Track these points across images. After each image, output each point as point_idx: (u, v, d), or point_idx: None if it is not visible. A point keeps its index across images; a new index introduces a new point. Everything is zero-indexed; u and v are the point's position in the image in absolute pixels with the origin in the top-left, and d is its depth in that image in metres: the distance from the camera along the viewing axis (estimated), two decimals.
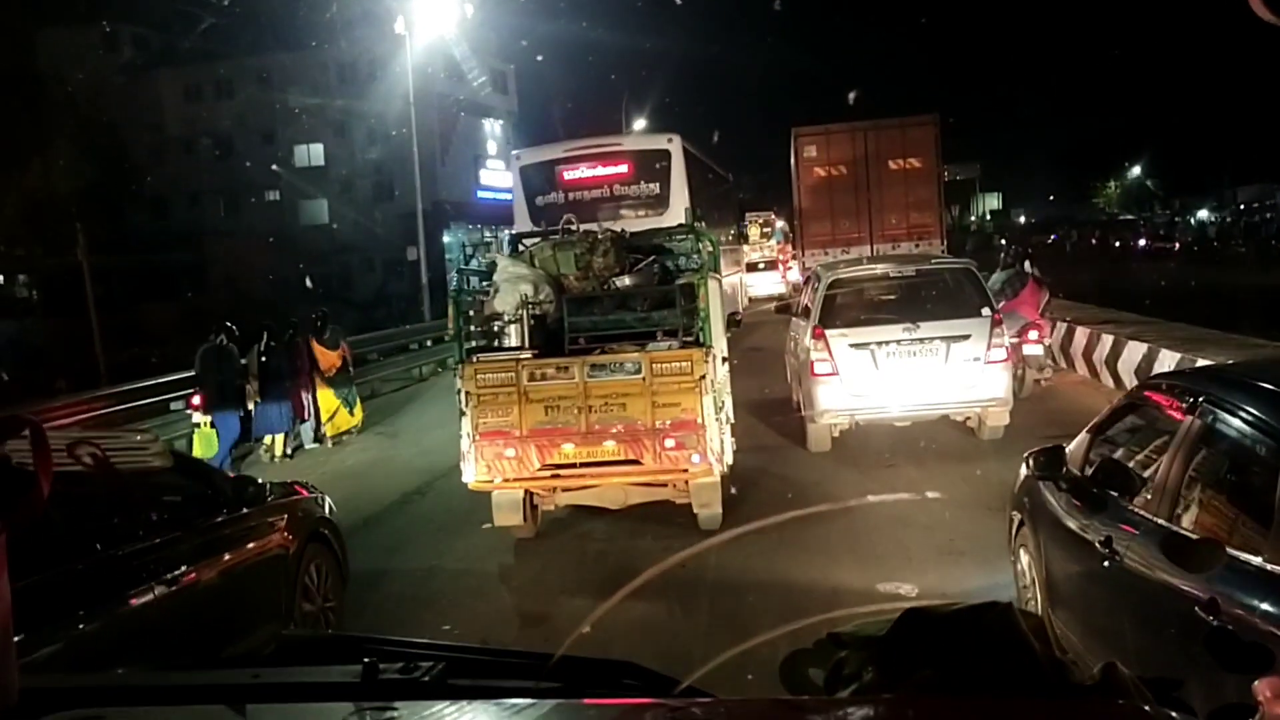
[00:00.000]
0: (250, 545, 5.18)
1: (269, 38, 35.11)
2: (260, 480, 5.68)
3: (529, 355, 7.15)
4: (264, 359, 10.87)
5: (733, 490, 7.43)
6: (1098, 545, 3.51)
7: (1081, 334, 12.97)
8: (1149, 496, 3.42)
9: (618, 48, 36.88)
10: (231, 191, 39.30)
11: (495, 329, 7.50)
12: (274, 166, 36.90)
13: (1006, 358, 9.28)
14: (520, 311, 7.38)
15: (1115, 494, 3.61)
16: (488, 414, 7.03)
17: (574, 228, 8.16)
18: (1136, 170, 54.85)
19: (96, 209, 25.67)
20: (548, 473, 7.06)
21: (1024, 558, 4.65)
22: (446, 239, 43.51)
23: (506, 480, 7.10)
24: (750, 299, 24.16)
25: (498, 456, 7.03)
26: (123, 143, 33.68)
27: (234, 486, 5.27)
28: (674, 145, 15.05)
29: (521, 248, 8.17)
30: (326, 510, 6.07)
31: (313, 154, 38.96)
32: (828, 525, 6.73)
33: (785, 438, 9.85)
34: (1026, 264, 12.31)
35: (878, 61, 38.50)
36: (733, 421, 7.84)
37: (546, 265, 7.74)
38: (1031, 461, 4.40)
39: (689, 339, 7.12)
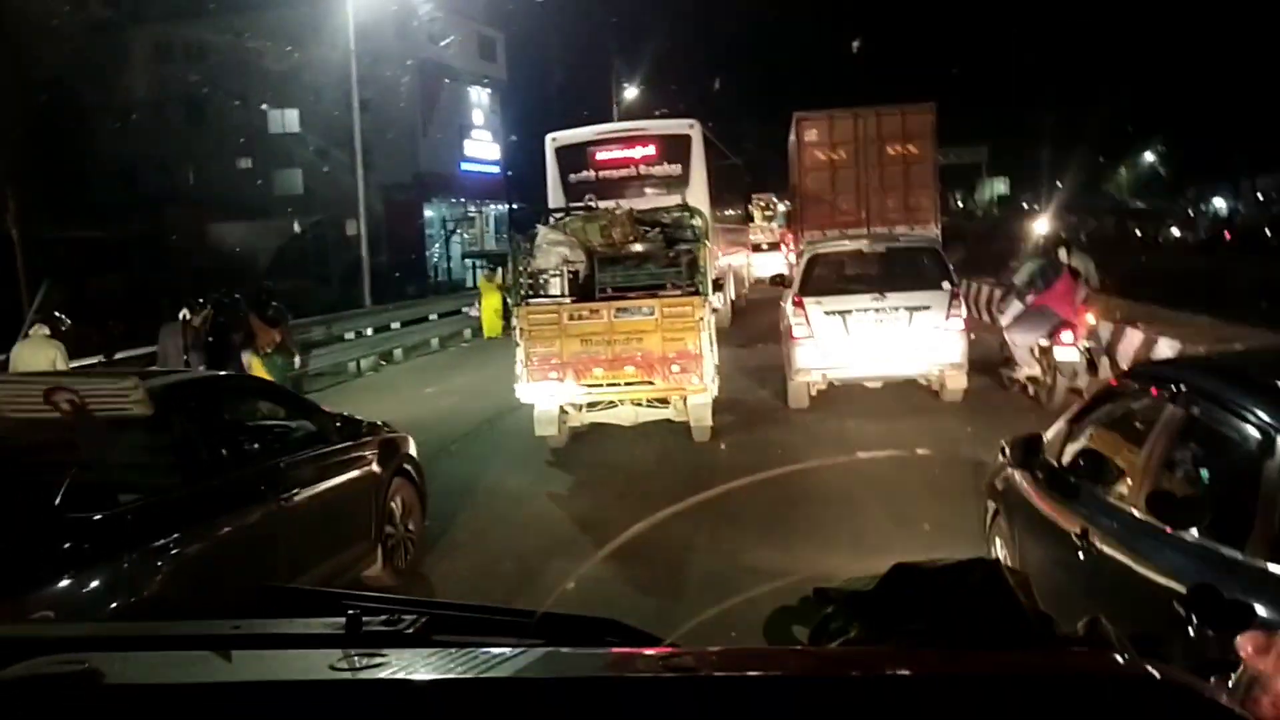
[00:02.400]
0: (347, 473, 6.05)
1: None
2: (358, 417, 6.58)
3: (568, 301, 9.77)
4: (209, 336, 10.81)
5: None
6: (1074, 536, 3.64)
7: (1135, 337, 11.60)
8: (1127, 487, 3.53)
9: (612, 16, 36.85)
10: (200, 159, 39.11)
11: (541, 281, 9.98)
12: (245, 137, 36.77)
13: (964, 327, 10.81)
14: (560, 268, 9.93)
15: (1092, 483, 3.73)
16: (537, 345, 9.65)
17: (594, 205, 11.01)
18: (1148, 156, 55.09)
19: (42, 175, 25.32)
20: (582, 390, 9.66)
21: (999, 546, 4.82)
22: (428, 214, 43.57)
23: (552, 396, 9.72)
24: (755, 279, 25.01)
25: (544, 377, 9.63)
26: (81, 105, 33.45)
27: (336, 421, 6.23)
28: (694, 131, 17.42)
29: (554, 220, 10.78)
30: (410, 449, 6.97)
31: (287, 120, 38.74)
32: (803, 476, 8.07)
33: (775, 397, 11.69)
34: (1062, 251, 11.39)
35: (882, 40, 38.70)
36: (718, 363, 10.40)
37: (577, 234, 10.27)
38: (1008, 449, 4.60)
39: (691, 290, 9.72)
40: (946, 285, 10.86)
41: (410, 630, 1.47)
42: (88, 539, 4.18)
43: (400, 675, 1.22)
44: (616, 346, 9.56)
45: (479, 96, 43.69)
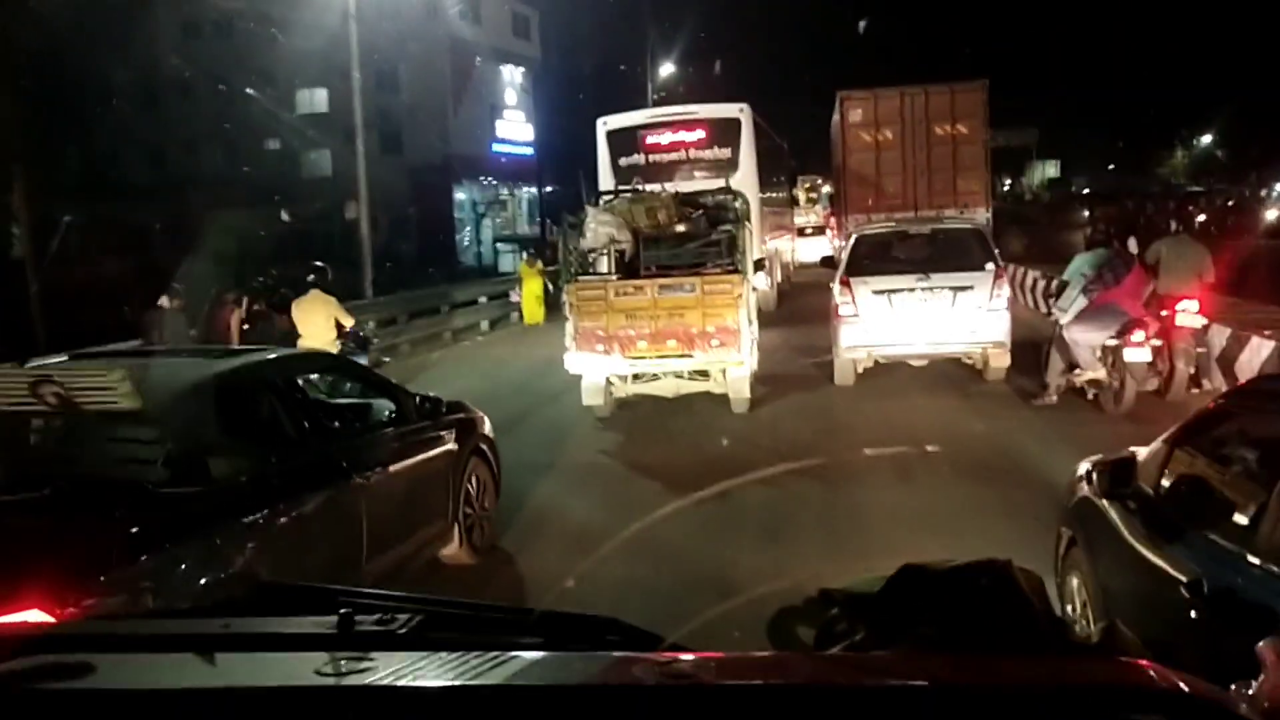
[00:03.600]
0: (427, 452, 6.21)
1: None
2: (438, 396, 6.70)
3: (615, 278, 10.59)
4: (246, 324, 10.51)
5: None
6: (1183, 589, 3.09)
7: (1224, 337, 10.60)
8: (1245, 527, 3.01)
9: (650, 7, 36.26)
10: (228, 138, 39.09)
11: (590, 259, 10.99)
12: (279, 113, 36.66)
13: (1007, 306, 11.22)
14: (608, 247, 10.83)
15: (1196, 522, 3.21)
16: (585, 319, 10.37)
17: (641, 188, 11.98)
18: (1206, 139, 53.79)
19: (62, 154, 25.12)
20: (627, 361, 10.39)
21: (1073, 580, 4.30)
22: (458, 196, 43.31)
23: (599, 368, 10.49)
24: (798, 264, 25.03)
25: (592, 349, 10.38)
26: (108, 83, 33.44)
27: (417, 400, 6.39)
28: (744, 115, 17.77)
29: (603, 202, 11.65)
30: (487, 428, 7.14)
31: (316, 100, 38.62)
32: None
33: (820, 373, 12.31)
34: (1131, 242, 10.76)
35: (929, 19, 37.79)
36: (757, 339, 11.13)
37: (623, 215, 11.00)
38: (1095, 475, 4.08)
39: (730, 269, 10.42)
40: (990, 266, 11.30)
41: (403, 630, 1.46)
42: (180, 514, 4.29)
43: (387, 681, 1.22)
44: (660, 321, 10.25)
45: (512, 75, 43.34)
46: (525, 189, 44.71)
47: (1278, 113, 40.13)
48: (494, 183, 42.55)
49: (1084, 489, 4.31)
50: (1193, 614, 3.00)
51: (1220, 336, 10.44)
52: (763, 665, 1.37)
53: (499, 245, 40.30)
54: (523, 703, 1.21)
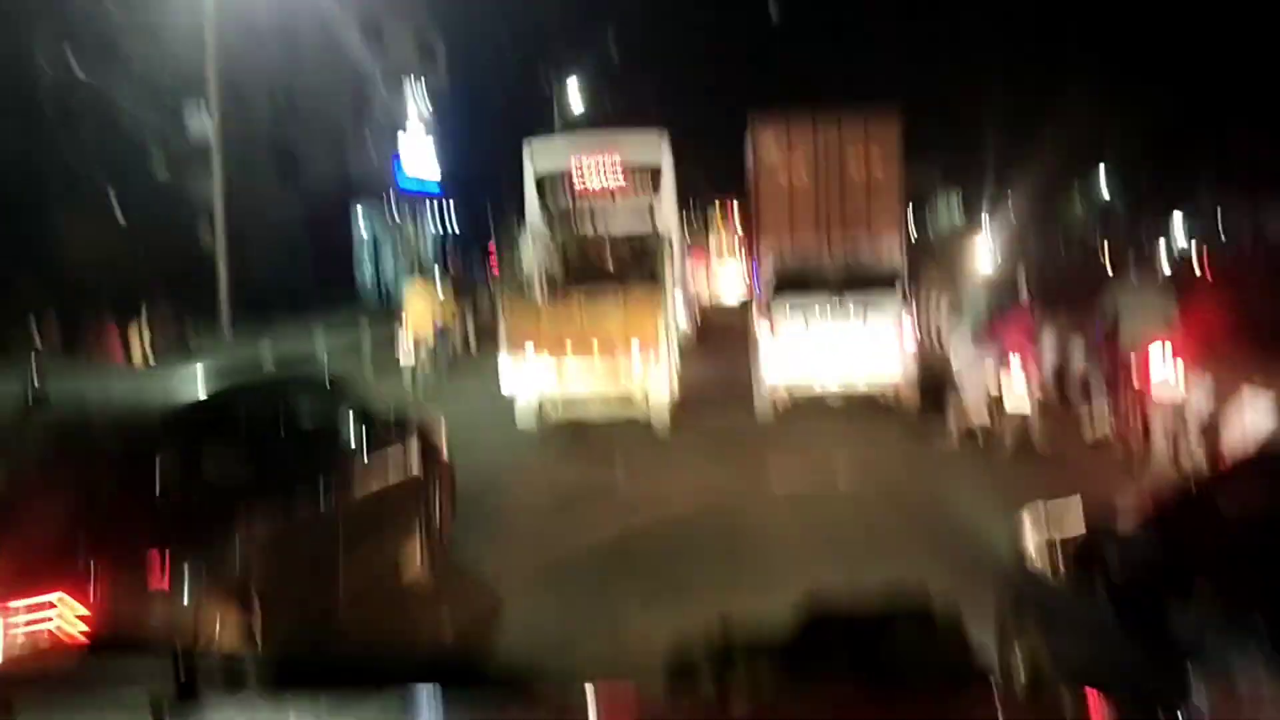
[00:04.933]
0: (400, 474, 6.61)
1: None
2: (411, 417, 7.10)
3: (547, 296, 12.34)
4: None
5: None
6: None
7: None
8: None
9: (555, 19, 35.99)
10: (110, 169, 37.32)
11: (522, 282, 12.75)
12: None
13: (915, 349, 12.37)
14: (537, 266, 12.61)
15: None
16: (518, 334, 11.60)
17: (573, 210, 13.93)
18: (1104, 188, 55.63)
19: None
20: (556, 377, 11.38)
21: (1020, 649, 3.67)
22: (361, 226, 42.14)
23: (531, 388, 11.56)
24: (716, 296, 26.09)
25: (521, 352, 11.49)
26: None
27: (390, 420, 6.76)
28: (664, 140, 18.72)
29: (534, 228, 13.43)
30: (446, 454, 7.58)
31: (208, 125, 37.21)
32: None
33: (738, 404, 13.05)
34: (1021, 284, 11.57)
35: (840, 51, 38.36)
36: (678, 367, 12.45)
37: (554, 239, 12.95)
38: (1054, 548, 3.56)
39: (653, 293, 12.04)
40: (901, 306, 12.47)
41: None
42: (188, 518, 4.66)
43: None
44: (585, 327, 11.44)
45: (416, 101, 42.54)
46: (429, 217, 43.83)
47: (1174, 160, 41.69)
48: (398, 212, 41.58)
49: (1035, 568, 3.82)
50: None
51: (1197, 399, 9.16)
52: (649, 702, 1.27)
53: (402, 277, 39.39)
54: None
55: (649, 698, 1.36)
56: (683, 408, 12.49)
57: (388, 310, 32.32)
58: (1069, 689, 1.33)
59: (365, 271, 39.64)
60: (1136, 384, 8.89)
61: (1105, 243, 36.73)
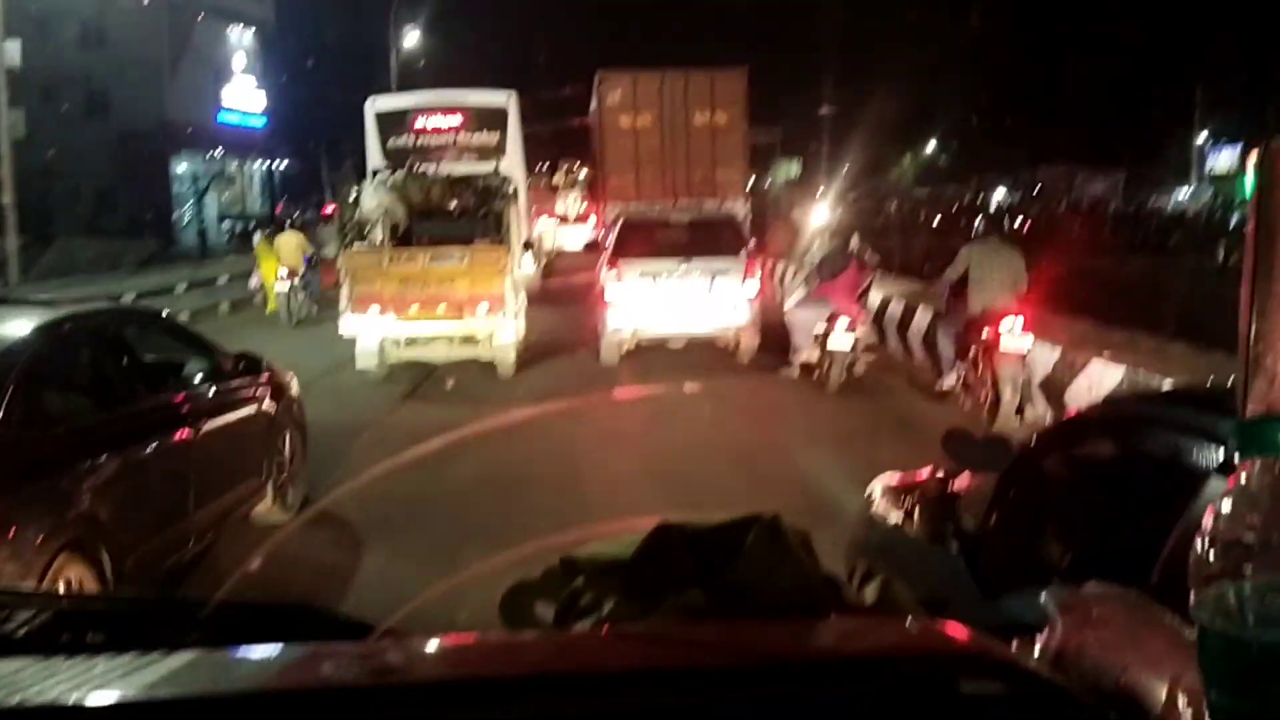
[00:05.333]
0: (244, 410, 6.47)
1: None
2: (257, 355, 6.87)
3: (389, 247, 11.87)
4: None
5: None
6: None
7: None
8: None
9: None
10: None
11: (364, 230, 12.13)
12: None
13: (758, 294, 12.45)
14: (382, 219, 12.05)
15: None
16: (360, 285, 11.40)
17: (417, 168, 13.41)
18: (931, 146, 57.81)
19: None
20: (399, 325, 11.44)
21: None
22: (178, 169, 39.85)
23: (372, 332, 11.43)
24: (559, 251, 25.99)
25: (365, 314, 11.32)
26: None
27: (235, 358, 6.56)
28: (512, 101, 18.39)
29: (378, 177, 13.01)
30: (295, 390, 7.44)
31: (8, 51, 34.32)
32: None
33: (584, 352, 13.02)
34: (854, 240, 12.00)
35: (688, 16, 38.33)
36: (523, 310, 12.43)
37: (398, 190, 12.46)
38: (916, 511, 3.57)
39: (498, 241, 11.93)
40: (743, 254, 12.51)
41: (22, 633, 1.27)
42: (34, 456, 4.58)
43: None
44: (430, 288, 11.29)
45: (241, 37, 40.33)
46: (255, 162, 41.79)
47: (995, 124, 43.65)
48: (220, 154, 39.46)
49: (886, 520, 3.82)
50: None
51: (1045, 357, 9.26)
52: (490, 649, 1.22)
53: (225, 223, 37.43)
54: (170, 715, 0.96)
55: (491, 641, 1.29)
56: (528, 351, 12.53)
57: (206, 253, 30.79)
58: (922, 615, 1.31)
59: (185, 213, 37.56)
60: (985, 336, 9.04)
61: (935, 202, 38.23)
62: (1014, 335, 8.89)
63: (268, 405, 6.76)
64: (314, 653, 1.17)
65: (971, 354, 9.39)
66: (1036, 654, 1.10)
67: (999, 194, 46.36)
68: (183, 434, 5.60)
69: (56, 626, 1.30)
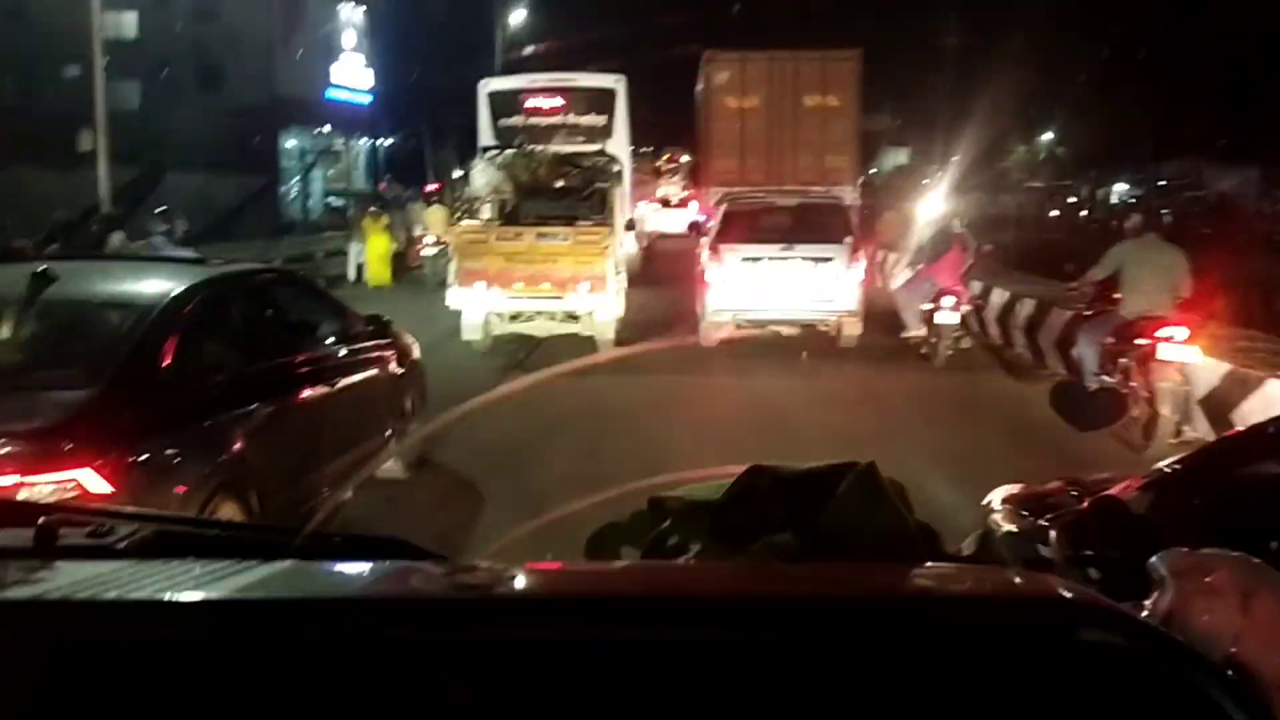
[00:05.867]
0: (374, 369, 6.89)
1: None
2: (383, 317, 7.35)
3: (496, 224, 12.42)
4: None
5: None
6: None
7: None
8: None
9: None
10: (22, 63, 35.23)
11: (473, 207, 12.75)
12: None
13: (864, 281, 12.52)
14: (491, 197, 12.65)
15: None
16: (467, 260, 11.95)
17: (525, 147, 13.79)
18: (1048, 135, 56.06)
19: None
20: (504, 299, 11.93)
21: None
22: (289, 144, 40.51)
23: (478, 306, 11.99)
24: (660, 234, 26.99)
25: (472, 289, 11.87)
26: None
27: (364, 320, 7.01)
28: (620, 85, 18.96)
29: (488, 156, 13.47)
30: (417, 352, 7.88)
31: (124, 24, 35.21)
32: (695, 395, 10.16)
33: (688, 336, 12.77)
34: (956, 223, 12.47)
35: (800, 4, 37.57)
36: (624, 289, 13.01)
37: (507, 169, 12.94)
38: (1055, 535, 3.10)
39: (602, 222, 12.26)
40: (849, 241, 12.39)
41: (122, 544, 1.30)
42: (194, 402, 4.92)
43: (86, 594, 1.03)
44: (535, 266, 11.70)
45: (350, 15, 40.80)
46: (360, 139, 42.31)
47: (1116, 115, 41.86)
48: (327, 131, 40.02)
49: (1010, 533, 3.35)
50: None
51: (1210, 372, 8.31)
52: (575, 577, 1.19)
53: (331, 200, 37.93)
54: (263, 617, 0.98)
55: (575, 568, 1.30)
56: (627, 330, 12.72)
57: (316, 227, 31.21)
58: (1016, 559, 1.24)
59: (292, 189, 38.20)
60: (1141, 345, 8.00)
61: (1054, 191, 36.87)
62: (1175, 345, 7.94)
63: (393, 366, 7.21)
64: (402, 569, 1.21)
65: (1122, 365, 8.28)
66: (1144, 615, 1.06)
67: (1119, 188, 44.60)
68: (320, 389, 5.99)
69: (155, 542, 1.33)
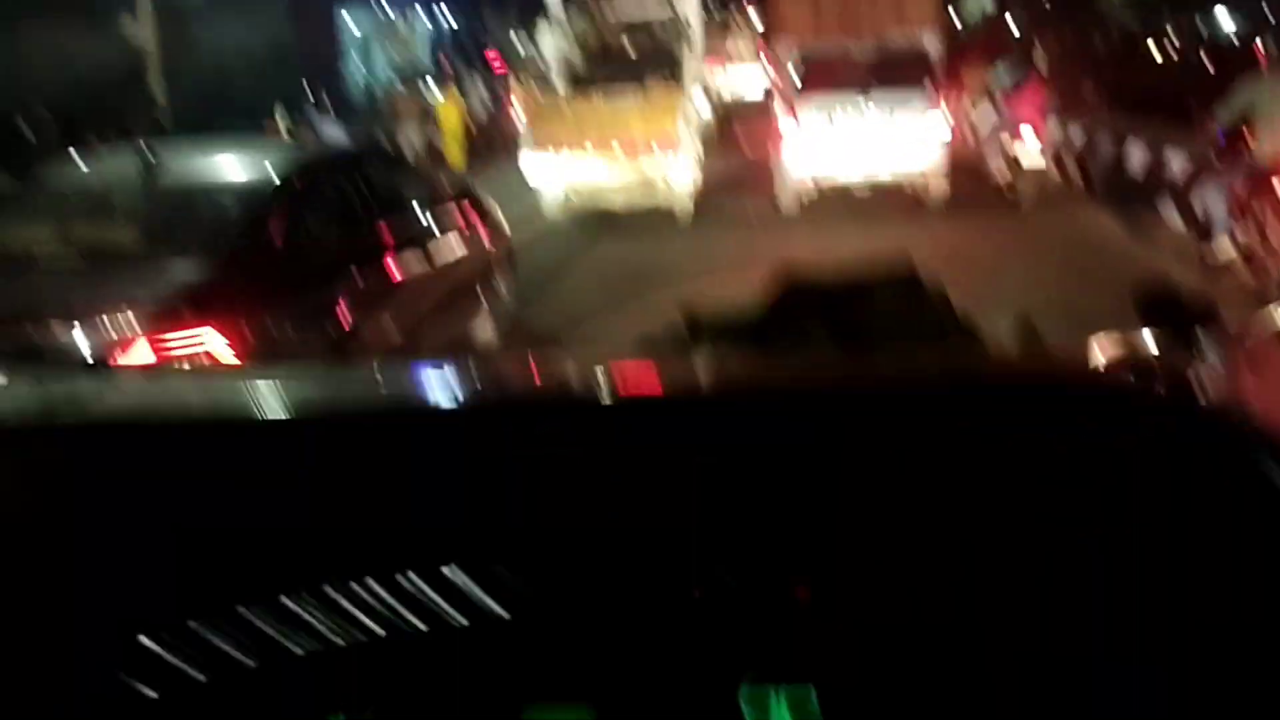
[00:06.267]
0: (470, 231, 7.43)
1: None
2: (476, 191, 8.08)
3: (567, 89, 12.89)
4: None
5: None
6: None
7: None
8: None
9: None
10: None
11: (543, 72, 13.29)
12: None
13: (948, 131, 12.13)
14: (559, 61, 13.00)
15: None
16: (540, 125, 12.22)
17: (595, 12, 13.81)
18: None
19: None
20: (578, 164, 11.88)
21: None
22: (346, 20, 39.63)
23: (555, 178, 12.09)
24: (736, 98, 26.30)
25: (544, 154, 11.94)
26: None
27: (459, 193, 7.63)
28: None
29: (556, 21, 13.45)
30: (504, 222, 8.33)
31: None
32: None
33: (767, 203, 12.94)
34: (1034, 54, 13.32)
35: None
36: (700, 156, 12.91)
37: (576, 35, 13.26)
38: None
39: (671, 86, 12.46)
40: (932, 89, 12.12)
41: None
42: (304, 269, 5.41)
43: None
44: (606, 129, 11.77)
45: None
46: (421, 14, 41.25)
47: None
48: (385, 5, 39.04)
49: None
50: None
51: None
52: (613, 373, 1.24)
53: (391, 78, 37.25)
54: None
55: (642, 370, 1.30)
56: (705, 196, 12.74)
57: (375, 111, 30.67)
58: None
59: (355, 70, 37.60)
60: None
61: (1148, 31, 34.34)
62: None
63: (483, 235, 7.62)
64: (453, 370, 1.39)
65: (1257, 215, 7.37)
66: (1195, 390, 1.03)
67: (1224, 23, 41.52)
68: (417, 255, 6.43)
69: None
